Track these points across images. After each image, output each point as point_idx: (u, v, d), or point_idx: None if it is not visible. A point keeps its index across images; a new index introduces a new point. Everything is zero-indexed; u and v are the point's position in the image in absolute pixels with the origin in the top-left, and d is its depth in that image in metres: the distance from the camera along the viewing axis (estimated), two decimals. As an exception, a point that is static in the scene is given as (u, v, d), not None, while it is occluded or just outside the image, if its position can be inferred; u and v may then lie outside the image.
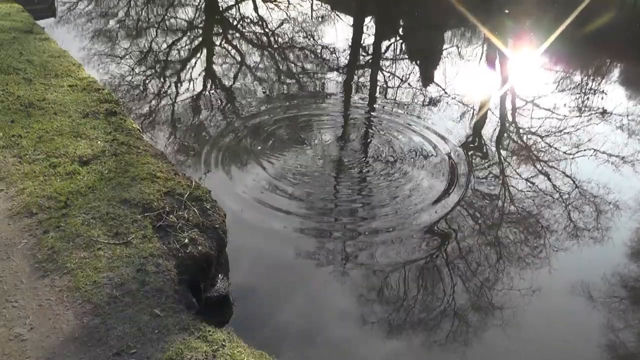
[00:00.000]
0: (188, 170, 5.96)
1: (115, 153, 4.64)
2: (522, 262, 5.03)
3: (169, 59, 9.79)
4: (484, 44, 12.18)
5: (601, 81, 10.49)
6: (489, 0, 14.52)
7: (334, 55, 10.70)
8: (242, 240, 4.82)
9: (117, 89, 8.08)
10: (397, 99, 8.69)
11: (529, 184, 6.40)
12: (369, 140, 7.13)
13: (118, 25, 11.69)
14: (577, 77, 10.59)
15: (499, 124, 8.13)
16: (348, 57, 10.79)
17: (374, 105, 8.35)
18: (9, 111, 5.18)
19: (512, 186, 6.35)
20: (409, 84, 9.38)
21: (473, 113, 8.28)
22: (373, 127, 7.46)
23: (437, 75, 10.18)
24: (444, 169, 6.45)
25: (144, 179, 4.29)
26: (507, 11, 13.81)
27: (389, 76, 9.89)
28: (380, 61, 10.88)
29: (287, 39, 11.79)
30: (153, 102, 7.88)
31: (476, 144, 7.39)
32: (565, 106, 8.79)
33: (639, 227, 5.74)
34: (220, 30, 12.49)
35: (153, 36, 11.13)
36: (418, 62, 10.75)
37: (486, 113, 8.32)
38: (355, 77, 9.78)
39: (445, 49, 11.92)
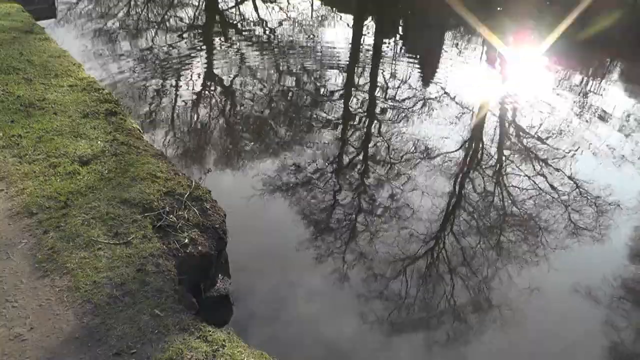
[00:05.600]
0: (188, 169, 5.97)
1: (115, 153, 4.64)
2: (522, 261, 5.03)
3: (169, 58, 9.79)
4: (476, 42, 12.18)
5: (601, 81, 10.48)
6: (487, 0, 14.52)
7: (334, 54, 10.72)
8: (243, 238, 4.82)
9: (117, 89, 8.08)
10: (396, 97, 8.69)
11: (528, 183, 6.40)
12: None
13: (118, 25, 11.70)
14: (575, 76, 10.59)
15: (498, 123, 8.13)
16: (348, 57, 10.80)
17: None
18: (9, 111, 5.17)
19: (512, 186, 6.35)
20: (408, 83, 9.39)
21: (472, 113, 8.28)
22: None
23: (436, 74, 10.18)
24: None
25: (144, 179, 4.29)
26: (499, 9, 13.82)
27: (389, 75, 9.90)
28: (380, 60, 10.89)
29: (287, 39, 11.79)
30: (153, 102, 7.88)
31: (475, 144, 7.39)
32: (565, 105, 8.79)
33: (638, 226, 5.75)
34: (220, 30, 12.49)
35: (153, 36, 11.13)
36: (417, 58, 10.76)
37: (485, 112, 8.32)
38: (355, 77, 9.79)
39: (443, 47, 11.92)
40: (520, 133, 7.86)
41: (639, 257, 5.30)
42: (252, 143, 6.79)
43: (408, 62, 10.72)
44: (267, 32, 12.31)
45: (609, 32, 11.72)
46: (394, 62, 10.67)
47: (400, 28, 13.97)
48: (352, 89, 9.10)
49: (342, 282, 4.63)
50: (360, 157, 6.66)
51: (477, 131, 7.70)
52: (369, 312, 4.31)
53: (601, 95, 9.58)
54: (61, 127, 4.98)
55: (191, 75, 9.03)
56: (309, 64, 10.17)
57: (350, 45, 11.63)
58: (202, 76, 9.06)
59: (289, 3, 14.99)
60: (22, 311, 3.06)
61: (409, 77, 9.77)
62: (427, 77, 9.92)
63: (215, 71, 9.42)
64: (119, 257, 3.47)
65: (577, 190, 6.32)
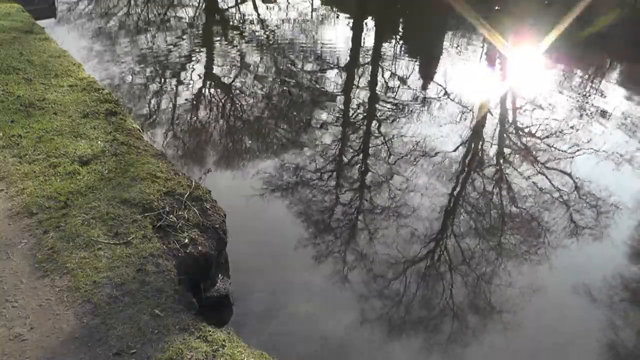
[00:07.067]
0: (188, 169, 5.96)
1: (115, 153, 4.64)
2: (522, 261, 5.03)
3: (169, 58, 9.79)
4: (476, 41, 12.18)
5: (600, 80, 10.48)
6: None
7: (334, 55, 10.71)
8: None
9: (117, 89, 8.08)
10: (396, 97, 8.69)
11: (529, 182, 6.40)
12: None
13: (118, 25, 11.70)
14: (575, 76, 10.59)
15: (498, 122, 8.13)
16: (348, 57, 10.79)
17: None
18: (9, 111, 5.18)
19: (513, 186, 6.35)
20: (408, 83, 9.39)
21: (472, 112, 8.28)
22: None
23: (436, 73, 10.17)
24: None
25: (144, 179, 4.29)
26: (497, 8, 13.82)
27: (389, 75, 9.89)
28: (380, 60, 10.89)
29: (287, 39, 11.79)
30: (153, 102, 7.88)
31: (475, 143, 7.39)
32: (565, 104, 8.79)
33: (638, 226, 5.75)
34: (220, 31, 12.49)
35: (153, 36, 11.13)
36: (418, 60, 10.76)
37: (484, 112, 8.32)
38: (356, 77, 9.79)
39: (443, 47, 11.92)
40: (520, 132, 7.86)
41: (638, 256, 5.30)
42: (252, 143, 6.79)
43: (408, 61, 10.72)
44: (267, 32, 12.30)
45: (608, 31, 11.71)
46: (393, 61, 10.67)
47: (400, 28, 13.96)
48: (352, 88, 9.09)
49: (342, 281, 4.63)
50: (360, 156, 6.66)
51: (477, 131, 7.70)
52: (369, 312, 4.31)
53: (601, 94, 9.58)
54: (61, 127, 4.98)
55: (191, 75, 9.03)
56: (308, 63, 10.17)
57: (350, 45, 11.63)
58: (202, 76, 9.06)
59: (289, 3, 14.99)
60: (22, 311, 3.06)
61: (409, 76, 9.77)
62: (427, 76, 9.92)
63: (215, 71, 9.42)
64: (119, 257, 3.47)
65: (577, 189, 6.31)
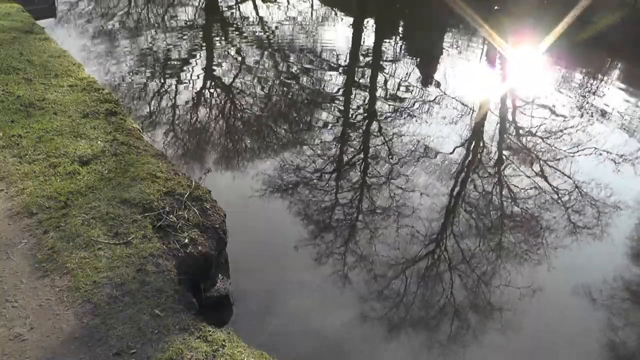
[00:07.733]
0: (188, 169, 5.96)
1: (115, 153, 4.64)
2: (522, 261, 5.03)
3: (169, 58, 9.79)
4: (476, 41, 12.18)
5: (600, 80, 10.48)
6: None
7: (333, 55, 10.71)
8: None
9: (117, 89, 8.07)
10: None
11: (529, 183, 6.40)
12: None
13: (118, 25, 11.69)
14: (575, 76, 10.59)
15: (498, 122, 8.13)
16: (348, 57, 10.78)
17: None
18: (9, 111, 5.17)
19: (513, 185, 6.35)
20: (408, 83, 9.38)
21: (472, 112, 8.28)
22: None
23: (436, 73, 10.17)
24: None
25: (144, 179, 4.29)
26: (496, 7, 13.81)
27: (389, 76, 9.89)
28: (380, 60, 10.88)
29: (286, 39, 11.78)
30: (153, 102, 7.88)
31: (475, 144, 7.39)
32: (565, 104, 8.79)
33: (638, 226, 5.75)
34: (220, 30, 12.49)
35: (153, 36, 11.13)
36: (418, 60, 10.75)
37: (484, 112, 8.32)
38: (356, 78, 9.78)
39: (443, 47, 11.92)
40: (520, 132, 7.86)
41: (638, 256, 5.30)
42: (252, 142, 6.79)
43: (408, 62, 10.72)
44: (267, 31, 12.30)
45: (608, 32, 11.70)
46: (393, 61, 10.66)
47: (400, 28, 13.96)
48: (352, 89, 9.09)
49: (342, 281, 4.63)
50: (360, 157, 6.66)
51: (477, 131, 7.70)
52: (369, 312, 4.31)
53: (601, 95, 9.57)
54: (61, 127, 4.98)
55: (191, 75, 9.03)
56: (308, 64, 10.17)
57: (350, 45, 11.62)
58: (202, 76, 9.05)
59: (289, 3, 14.99)
60: (22, 311, 3.06)
61: (409, 77, 9.76)
62: (427, 76, 9.92)
63: (215, 71, 9.42)
64: (119, 257, 3.47)
65: (577, 190, 6.31)
